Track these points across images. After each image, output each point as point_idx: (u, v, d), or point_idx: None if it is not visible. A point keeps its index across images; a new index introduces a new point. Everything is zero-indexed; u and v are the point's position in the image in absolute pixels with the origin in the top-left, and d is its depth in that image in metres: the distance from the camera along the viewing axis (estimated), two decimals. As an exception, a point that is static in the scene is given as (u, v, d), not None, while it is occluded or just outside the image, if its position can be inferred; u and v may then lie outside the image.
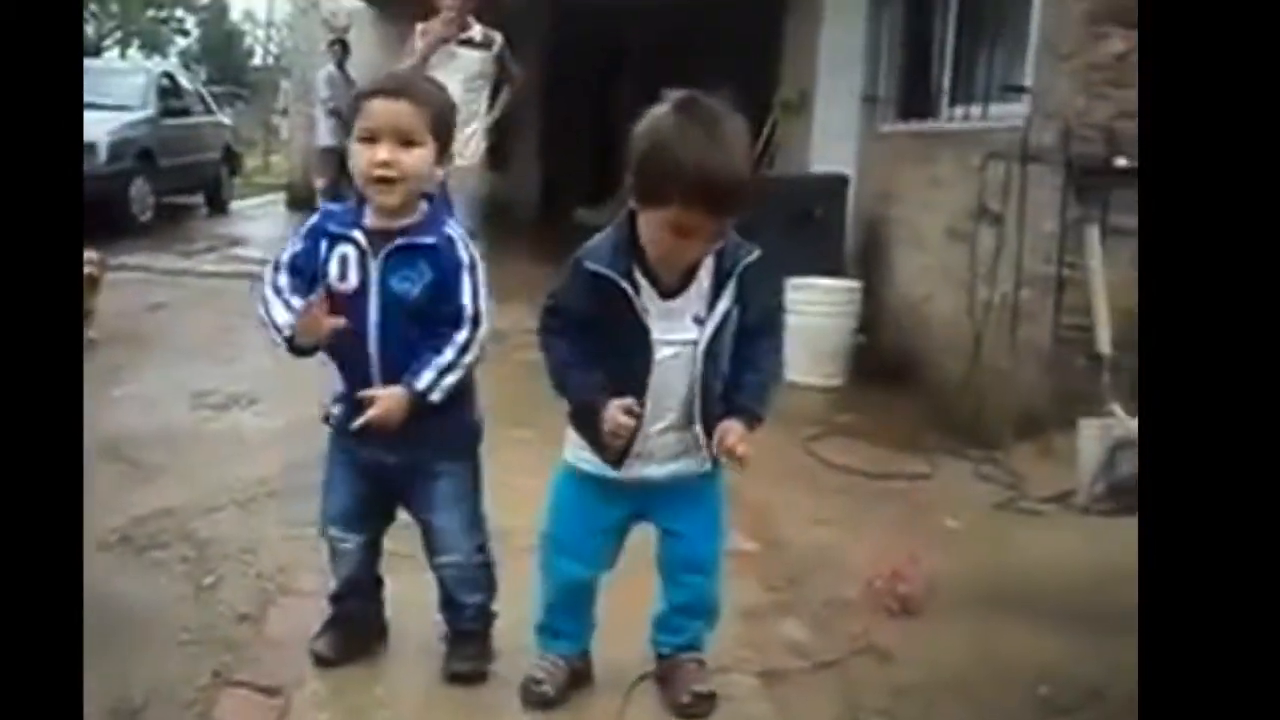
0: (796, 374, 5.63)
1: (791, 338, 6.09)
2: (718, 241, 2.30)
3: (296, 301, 2.42)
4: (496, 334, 2.62)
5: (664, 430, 2.41)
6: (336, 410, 2.56)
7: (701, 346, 2.35)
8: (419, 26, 6.92)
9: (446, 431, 2.53)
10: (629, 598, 2.66)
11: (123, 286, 7.29)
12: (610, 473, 2.43)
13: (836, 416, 5.29)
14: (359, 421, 2.40)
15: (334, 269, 2.44)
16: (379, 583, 2.81)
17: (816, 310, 5.87)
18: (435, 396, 2.40)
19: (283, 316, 2.42)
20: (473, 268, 2.45)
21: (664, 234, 2.24)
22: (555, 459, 2.57)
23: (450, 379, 2.41)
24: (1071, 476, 4.12)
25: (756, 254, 2.37)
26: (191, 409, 5.05)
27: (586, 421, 2.37)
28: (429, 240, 2.43)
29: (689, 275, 2.34)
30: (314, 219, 2.53)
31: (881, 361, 6.15)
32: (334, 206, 2.55)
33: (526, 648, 2.67)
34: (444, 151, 2.46)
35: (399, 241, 2.41)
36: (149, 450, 4.37)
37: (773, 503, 3.95)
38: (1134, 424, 3.79)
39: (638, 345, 2.33)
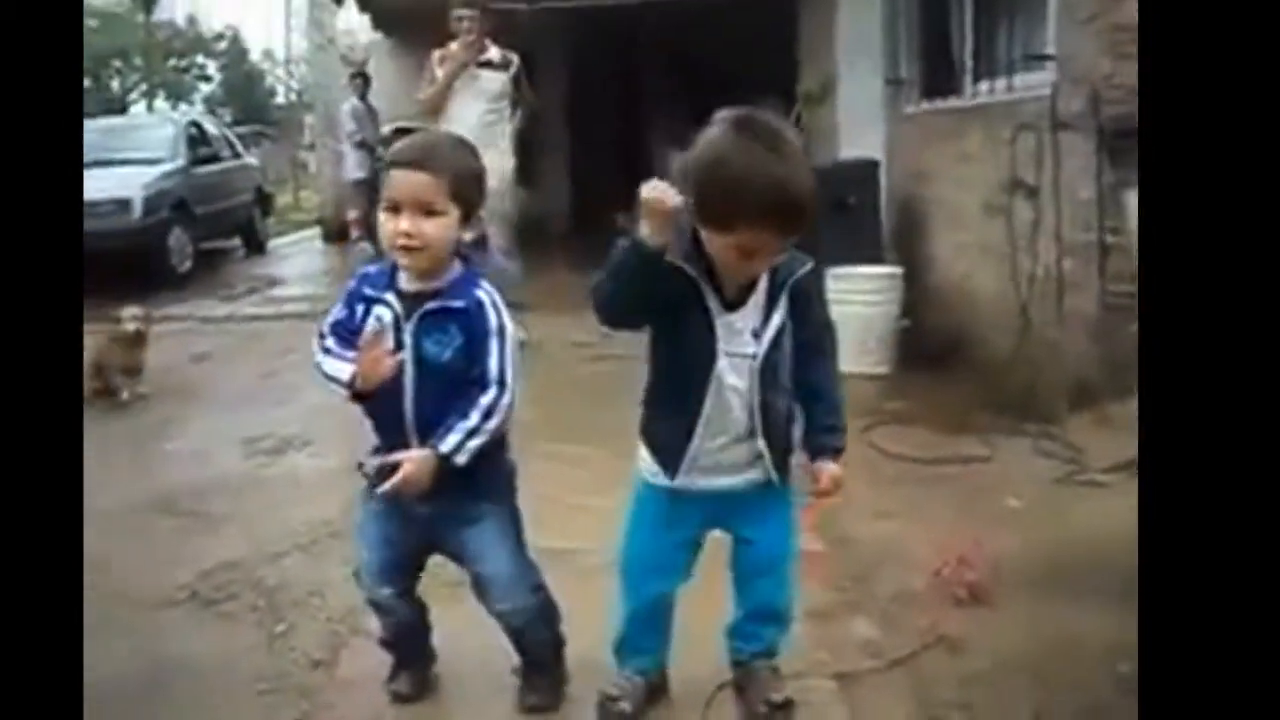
0: (844, 364, 5.54)
1: (837, 327, 6.08)
2: (781, 256, 2.28)
3: (350, 355, 2.45)
4: (538, 346, 2.61)
5: (725, 445, 2.41)
6: (372, 463, 2.57)
7: (759, 361, 2.35)
8: (436, 53, 6.94)
9: (481, 476, 2.50)
10: (703, 608, 2.66)
11: (167, 339, 7.36)
12: (677, 484, 2.43)
13: (888, 404, 5.25)
14: (386, 486, 2.40)
15: (372, 326, 2.46)
16: (426, 621, 2.80)
17: (859, 299, 5.83)
18: (461, 459, 2.41)
19: (341, 368, 2.46)
20: (500, 332, 2.46)
21: (729, 254, 2.21)
22: (611, 474, 2.56)
23: (475, 442, 2.41)
24: (1131, 444, 4.05)
25: (810, 265, 2.36)
26: (245, 456, 5.08)
27: (641, 261, 2.19)
28: (459, 304, 2.45)
29: (748, 288, 2.34)
30: (352, 284, 2.55)
31: (928, 345, 6.10)
32: (370, 269, 2.57)
33: (600, 666, 2.66)
34: (468, 216, 2.46)
35: (430, 305, 2.44)
36: (208, 501, 4.41)
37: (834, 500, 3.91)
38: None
39: (703, 346, 2.33)
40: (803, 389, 2.45)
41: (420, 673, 2.80)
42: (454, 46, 6.95)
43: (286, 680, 2.93)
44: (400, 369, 2.42)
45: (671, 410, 2.41)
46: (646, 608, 2.59)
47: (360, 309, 2.50)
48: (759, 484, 2.46)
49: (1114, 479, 4.01)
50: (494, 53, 7.00)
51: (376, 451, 2.57)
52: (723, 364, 2.34)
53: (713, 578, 2.61)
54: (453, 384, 2.44)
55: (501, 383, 2.43)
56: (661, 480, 2.45)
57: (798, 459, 2.49)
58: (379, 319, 2.45)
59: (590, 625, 2.70)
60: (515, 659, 2.75)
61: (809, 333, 2.42)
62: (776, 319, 2.34)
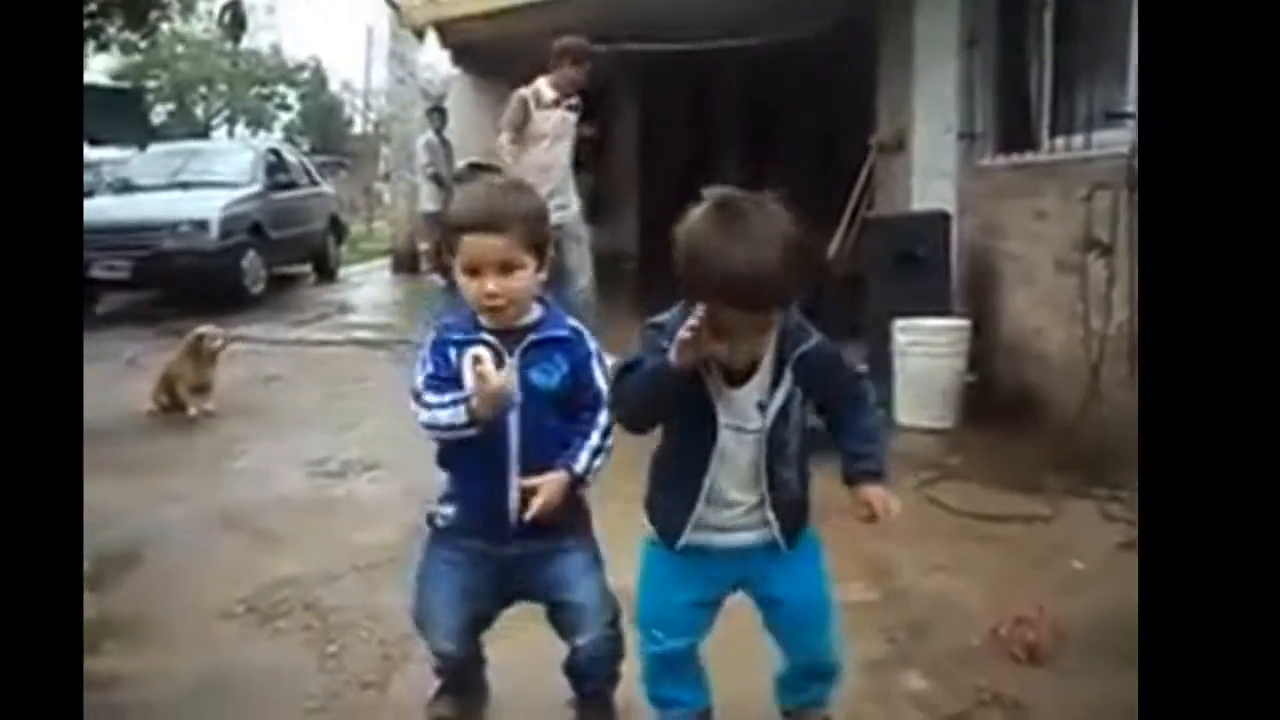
0: (906, 417, 5.56)
1: (900, 380, 6.07)
2: (767, 333, 2.25)
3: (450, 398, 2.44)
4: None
5: (733, 517, 2.40)
6: (448, 511, 2.58)
7: (764, 434, 2.33)
8: (520, 93, 7.03)
9: (565, 512, 2.51)
10: (753, 650, 2.63)
11: (238, 359, 7.47)
12: (681, 542, 2.40)
13: (950, 459, 5.19)
14: (530, 513, 2.42)
15: (468, 371, 2.44)
16: (481, 655, 2.80)
17: (924, 351, 5.79)
18: (590, 478, 2.49)
19: (453, 412, 2.43)
20: (600, 356, 2.55)
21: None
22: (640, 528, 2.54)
23: (599, 461, 2.49)
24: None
25: (814, 341, 2.33)
26: (309, 477, 5.14)
27: (663, 385, 2.25)
28: (562, 334, 2.52)
29: (754, 363, 2.32)
30: (433, 335, 2.56)
31: (993, 401, 6.04)
32: (449, 319, 2.58)
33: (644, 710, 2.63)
34: (543, 260, 2.48)
35: (533, 337, 2.48)
36: (269, 520, 4.47)
37: (889, 550, 3.88)
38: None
39: (704, 426, 2.32)
40: (835, 435, 2.44)
41: (464, 699, 2.78)
42: (543, 84, 7.03)
43: (336, 700, 2.95)
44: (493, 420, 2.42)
45: (674, 485, 2.41)
46: (663, 664, 2.55)
47: (453, 352, 2.49)
48: (772, 542, 2.43)
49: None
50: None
51: (446, 499, 2.58)
52: (726, 439, 2.33)
53: (750, 613, 2.58)
54: (554, 413, 2.50)
55: (609, 402, 2.48)
56: (663, 539, 2.44)
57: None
58: (478, 357, 2.41)
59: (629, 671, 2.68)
60: (569, 692, 2.73)
61: (831, 395, 2.41)
62: (781, 393, 2.32)
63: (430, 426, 2.47)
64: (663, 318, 2.35)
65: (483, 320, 2.49)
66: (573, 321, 2.57)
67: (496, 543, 2.51)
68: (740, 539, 2.41)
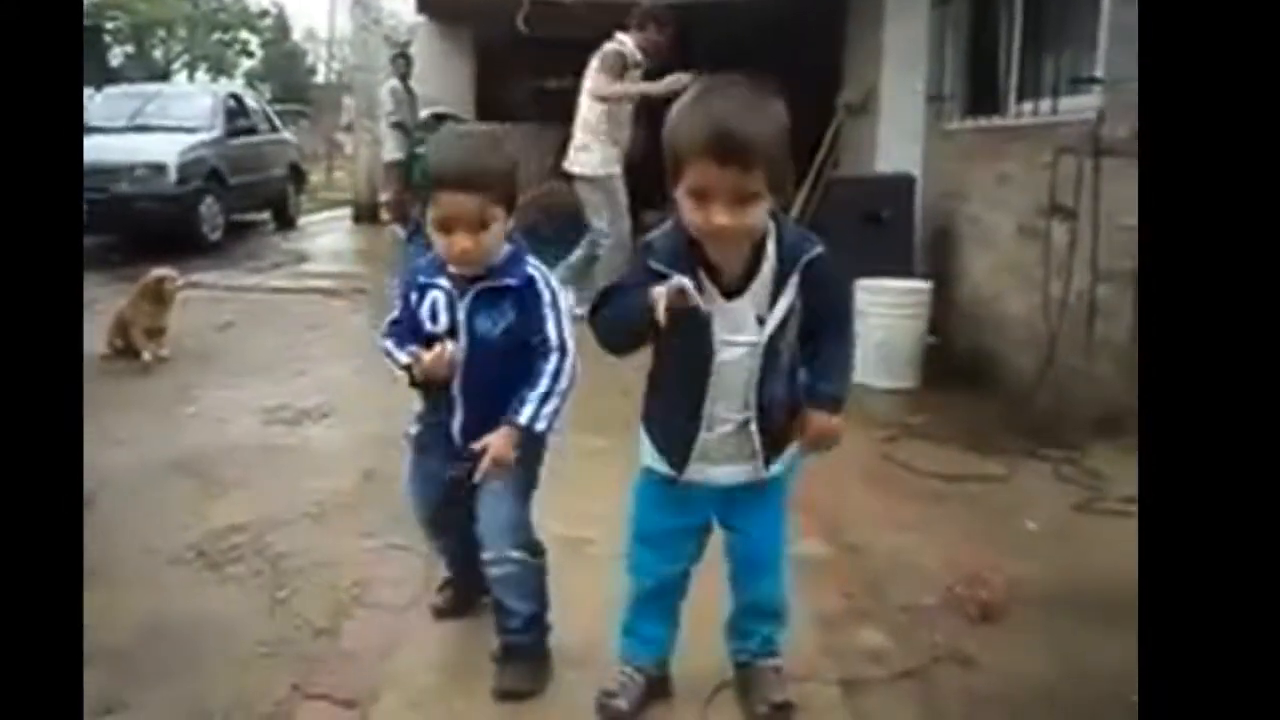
0: (868, 377, 5.55)
1: (862, 340, 6.02)
2: (752, 208, 2.15)
3: (412, 349, 2.61)
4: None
5: (725, 435, 2.36)
6: (414, 429, 2.80)
7: (761, 346, 2.28)
8: (618, 48, 7.19)
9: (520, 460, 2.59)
10: (707, 609, 2.62)
11: (193, 304, 7.39)
12: (678, 475, 2.40)
13: (910, 419, 5.20)
14: (479, 473, 2.52)
15: (425, 313, 2.63)
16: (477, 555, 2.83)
17: (887, 312, 5.79)
18: (540, 425, 2.53)
19: (398, 368, 2.65)
20: (554, 302, 2.59)
21: (691, 210, 2.16)
22: (629, 469, 2.54)
23: (549, 406, 2.54)
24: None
25: (819, 249, 2.28)
26: (263, 424, 5.09)
27: (639, 327, 2.23)
28: (511, 282, 2.58)
29: (751, 273, 2.27)
30: (408, 277, 2.71)
31: (954, 363, 6.06)
32: (421, 261, 2.70)
33: (603, 662, 2.63)
34: (510, 211, 2.56)
35: (481, 285, 2.57)
36: (222, 466, 4.41)
37: (847, 507, 3.89)
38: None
39: (699, 344, 2.28)
40: (812, 362, 2.39)
41: (461, 594, 3.01)
42: (632, 46, 7.17)
43: (288, 646, 2.92)
44: (457, 353, 2.57)
45: (673, 405, 2.38)
46: (654, 590, 2.56)
47: (415, 295, 2.65)
48: (754, 476, 2.42)
49: (1134, 508, 3.96)
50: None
51: (419, 418, 2.78)
52: (723, 355, 2.29)
53: (714, 576, 2.58)
54: (500, 358, 2.57)
55: (563, 348, 2.56)
56: (665, 470, 2.43)
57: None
58: (434, 303, 2.60)
59: (598, 616, 2.68)
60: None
61: (823, 315, 2.35)
62: (784, 302, 2.27)
63: (387, 358, 2.69)
64: (654, 234, 2.33)
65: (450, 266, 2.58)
66: (533, 267, 2.61)
67: (444, 462, 2.71)
68: (730, 471, 2.40)
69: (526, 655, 2.71)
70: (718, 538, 2.55)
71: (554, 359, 2.55)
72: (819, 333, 2.37)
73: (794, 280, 2.27)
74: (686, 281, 2.14)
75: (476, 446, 2.52)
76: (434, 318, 2.61)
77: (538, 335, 2.56)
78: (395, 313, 2.71)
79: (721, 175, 2.10)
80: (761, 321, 2.28)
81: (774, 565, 2.55)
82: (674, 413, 2.38)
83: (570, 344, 2.57)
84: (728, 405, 2.34)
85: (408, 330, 2.65)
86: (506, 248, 2.59)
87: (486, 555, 2.66)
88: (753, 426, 2.35)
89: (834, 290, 2.40)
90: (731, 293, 2.27)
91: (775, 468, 2.43)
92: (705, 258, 2.25)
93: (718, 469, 2.40)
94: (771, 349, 2.30)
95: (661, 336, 2.27)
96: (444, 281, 2.59)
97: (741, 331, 2.28)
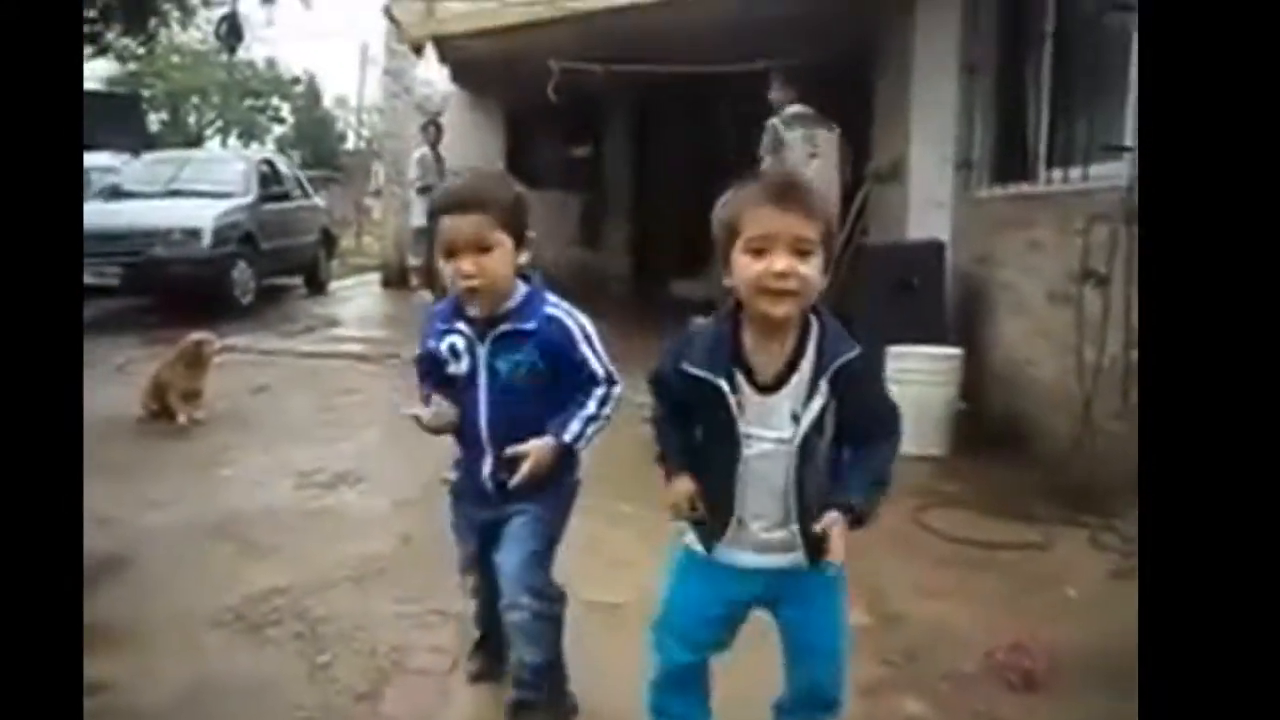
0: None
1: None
2: (807, 257, 2.16)
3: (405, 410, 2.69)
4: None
5: (766, 528, 2.35)
6: (453, 475, 2.84)
7: (795, 443, 2.27)
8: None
9: (540, 485, 2.63)
10: (749, 676, 2.61)
11: (227, 368, 7.44)
12: (714, 557, 2.38)
13: (943, 486, 5.18)
14: (515, 479, 2.56)
15: (447, 356, 2.66)
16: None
17: (918, 379, 5.78)
18: (581, 445, 2.62)
19: (408, 413, 2.68)
20: (586, 337, 2.65)
21: (748, 263, 2.16)
22: (658, 533, 2.54)
23: (593, 429, 2.62)
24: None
25: (857, 350, 2.27)
26: (298, 488, 5.11)
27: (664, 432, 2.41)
28: (529, 326, 2.61)
29: (788, 370, 2.26)
30: (426, 323, 2.79)
31: (986, 429, 6.04)
32: (439, 307, 2.77)
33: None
34: (521, 241, 2.60)
35: (501, 329, 2.61)
36: (258, 530, 4.43)
37: (883, 576, 3.87)
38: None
39: (728, 441, 2.27)
40: (851, 462, 2.33)
41: (492, 654, 2.99)
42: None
43: (328, 712, 2.92)
44: (474, 389, 2.63)
45: (706, 491, 2.37)
46: (675, 675, 2.53)
47: (435, 340, 2.68)
48: (796, 568, 2.37)
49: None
50: None
51: (458, 465, 2.80)
52: (753, 450, 2.28)
53: (762, 645, 2.57)
54: (524, 401, 2.61)
55: (610, 378, 2.65)
56: (696, 547, 2.42)
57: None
58: (452, 347, 2.64)
59: (630, 681, 2.66)
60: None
61: (857, 418, 2.30)
62: (817, 402, 2.24)
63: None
64: (691, 339, 2.33)
65: (467, 307, 2.62)
66: (552, 309, 2.65)
67: (476, 507, 2.76)
68: (770, 561, 2.37)
69: (537, 709, 2.72)
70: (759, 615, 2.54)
71: (602, 388, 2.63)
72: (852, 437, 2.32)
73: (825, 381, 2.24)
74: (696, 500, 2.29)
75: (512, 451, 2.56)
76: (456, 360, 2.65)
77: (583, 369, 2.62)
78: (421, 351, 2.76)
79: (783, 220, 2.13)
80: (797, 419, 2.26)
81: (833, 655, 2.50)
82: (706, 498, 2.37)
83: (614, 372, 2.65)
84: (763, 503, 2.32)
85: (434, 373, 2.70)
86: (523, 288, 2.63)
87: (504, 602, 2.67)
88: (794, 525, 2.32)
89: (872, 394, 2.35)
90: (767, 388, 2.27)
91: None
92: (743, 355, 2.26)
93: (764, 557, 2.37)
94: (808, 450, 2.27)
95: (697, 430, 2.34)
96: (462, 325, 2.63)
97: (774, 428, 2.26)
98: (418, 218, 12.43)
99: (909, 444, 5.52)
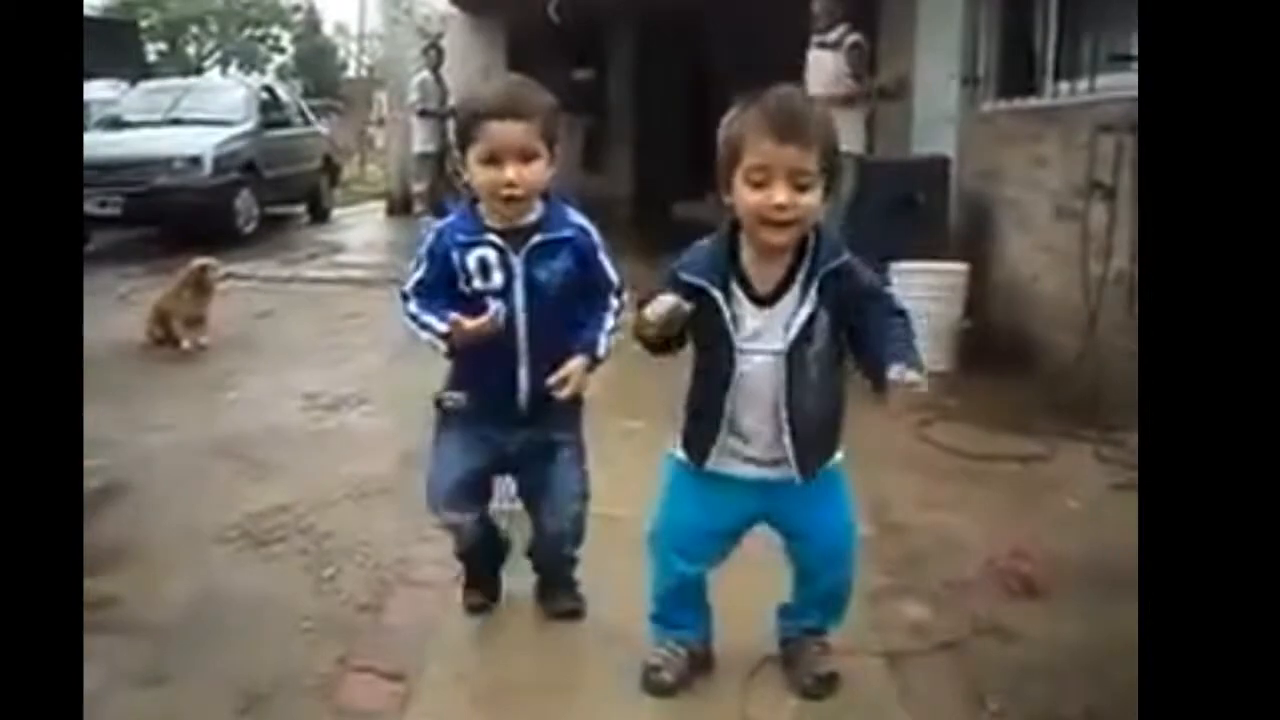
0: (903, 359, 5.51)
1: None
2: (806, 188, 2.17)
3: (446, 316, 2.53)
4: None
5: (755, 442, 2.37)
6: (458, 396, 2.69)
7: (784, 355, 2.28)
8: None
9: (561, 409, 2.65)
10: (752, 581, 2.63)
11: (231, 295, 7.42)
12: (705, 468, 2.40)
13: (947, 401, 5.15)
14: (563, 392, 2.55)
15: (474, 270, 2.56)
16: (498, 541, 2.99)
17: (922, 295, 5.74)
18: (606, 357, 2.64)
19: (427, 335, 2.58)
20: (603, 247, 2.67)
21: (748, 191, 2.19)
22: (661, 445, 2.55)
23: (612, 341, 2.63)
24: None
25: (844, 258, 2.28)
26: (302, 410, 5.13)
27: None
28: (566, 234, 2.60)
29: (785, 282, 2.29)
30: (431, 238, 2.64)
31: (991, 345, 6.01)
32: (450, 219, 2.65)
33: (642, 635, 2.65)
34: (553, 155, 2.56)
35: (538, 238, 2.56)
36: (263, 450, 4.45)
37: (886, 488, 3.87)
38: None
39: (724, 352, 2.30)
40: (864, 350, 2.30)
41: (487, 589, 2.97)
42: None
43: (332, 622, 2.94)
44: (510, 302, 2.56)
45: (699, 409, 2.40)
46: (674, 587, 2.57)
47: (456, 254, 2.57)
48: (791, 482, 2.38)
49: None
50: None
51: (455, 385, 2.69)
52: (746, 365, 2.30)
53: (763, 554, 2.59)
54: (558, 309, 2.59)
55: (621, 286, 2.67)
56: (686, 459, 2.44)
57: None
58: (483, 260, 2.55)
59: (635, 593, 2.68)
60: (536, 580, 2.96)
61: (860, 315, 2.30)
62: (804, 311, 2.26)
63: (411, 324, 2.62)
64: (689, 255, 2.34)
65: (488, 218, 2.56)
66: (576, 217, 2.64)
67: (503, 430, 2.68)
68: (762, 473, 2.39)
69: (574, 583, 2.93)
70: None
71: (616, 299, 2.66)
72: (866, 321, 2.30)
73: (814, 290, 2.26)
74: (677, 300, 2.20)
75: (555, 377, 2.55)
76: (486, 275, 2.55)
77: (603, 277, 2.65)
78: (419, 273, 2.62)
79: (781, 152, 2.15)
80: (788, 329, 2.28)
81: (842, 561, 2.54)
82: (699, 412, 2.40)
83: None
84: (754, 415, 2.34)
85: (441, 292, 2.58)
86: (541, 205, 2.60)
87: (563, 520, 2.77)
88: (786, 439, 2.33)
89: (864, 295, 2.32)
90: (763, 301, 2.29)
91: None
92: (740, 267, 2.29)
93: (743, 467, 2.39)
94: (797, 360, 2.29)
95: (695, 340, 2.33)
96: (493, 237, 2.55)
97: (770, 341, 2.29)
98: (420, 143, 12.34)
99: (912, 359, 5.58)
